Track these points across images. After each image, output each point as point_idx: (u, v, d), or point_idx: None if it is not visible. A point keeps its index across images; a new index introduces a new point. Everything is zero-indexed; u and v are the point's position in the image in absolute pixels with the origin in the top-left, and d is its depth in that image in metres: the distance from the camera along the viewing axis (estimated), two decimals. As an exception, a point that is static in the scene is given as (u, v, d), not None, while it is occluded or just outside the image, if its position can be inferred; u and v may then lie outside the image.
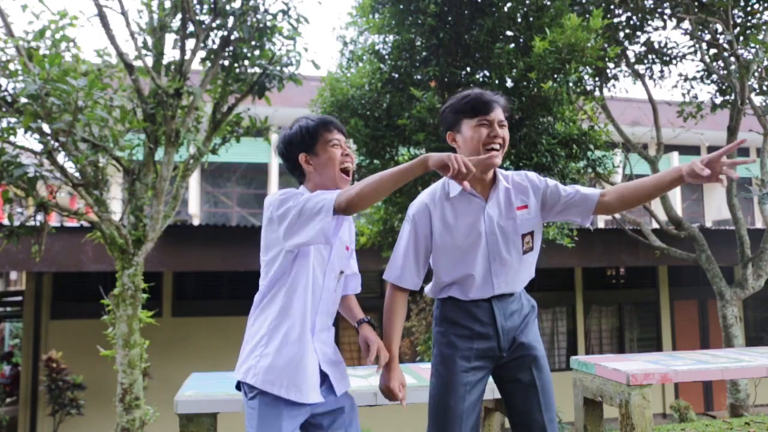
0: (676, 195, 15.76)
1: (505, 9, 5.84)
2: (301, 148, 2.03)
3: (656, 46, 8.23)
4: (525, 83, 5.64)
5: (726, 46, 7.46)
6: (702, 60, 7.85)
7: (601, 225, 14.50)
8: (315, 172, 2.03)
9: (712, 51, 7.97)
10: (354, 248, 2.22)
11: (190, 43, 5.43)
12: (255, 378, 1.90)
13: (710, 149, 16.60)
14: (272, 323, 1.95)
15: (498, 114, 2.08)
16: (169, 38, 5.49)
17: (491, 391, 2.68)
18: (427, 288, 2.28)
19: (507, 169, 5.76)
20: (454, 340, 2.12)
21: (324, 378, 2.01)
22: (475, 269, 2.11)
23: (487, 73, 5.92)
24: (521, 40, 5.90)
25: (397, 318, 2.16)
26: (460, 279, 2.14)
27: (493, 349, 2.12)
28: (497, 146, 2.06)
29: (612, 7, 7.44)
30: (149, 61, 5.39)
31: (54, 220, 8.81)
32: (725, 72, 7.58)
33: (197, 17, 5.37)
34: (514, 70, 5.60)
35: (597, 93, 8.19)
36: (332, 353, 2.08)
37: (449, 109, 2.14)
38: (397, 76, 6.13)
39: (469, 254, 2.11)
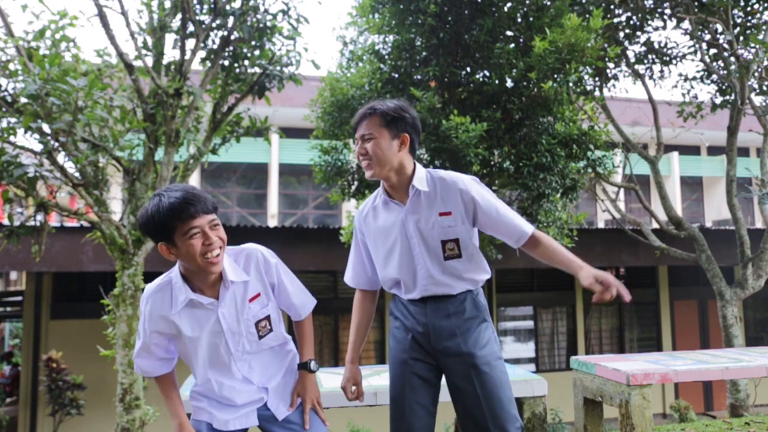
0: (676, 195, 15.77)
1: (505, 9, 5.84)
2: (158, 238, 1.82)
3: (656, 46, 8.23)
4: (525, 83, 5.63)
5: (726, 46, 7.46)
6: (702, 60, 7.85)
7: (601, 225, 14.50)
8: (179, 260, 1.87)
9: (712, 51, 7.97)
10: (275, 288, 2.07)
11: (190, 43, 5.44)
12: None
13: (710, 149, 16.62)
14: (192, 390, 2.10)
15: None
16: (169, 38, 5.50)
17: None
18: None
19: (507, 169, 5.78)
20: (395, 332, 2.27)
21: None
22: (401, 273, 2.18)
23: (487, 73, 5.92)
24: (521, 40, 5.90)
25: (359, 318, 2.33)
26: (391, 281, 2.23)
27: (424, 346, 2.18)
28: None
29: (612, 7, 7.44)
30: (149, 61, 5.39)
31: (54, 220, 8.81)
32: (725, 72, 7.58)
33: (197, 17, 5.37)
34: (514, 70, 5.60)
35: (597, 93, 8.19)
36: (280, 391, 2.09)
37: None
38: (397, 76, 6.13)
39: (392, 258, 2.19)
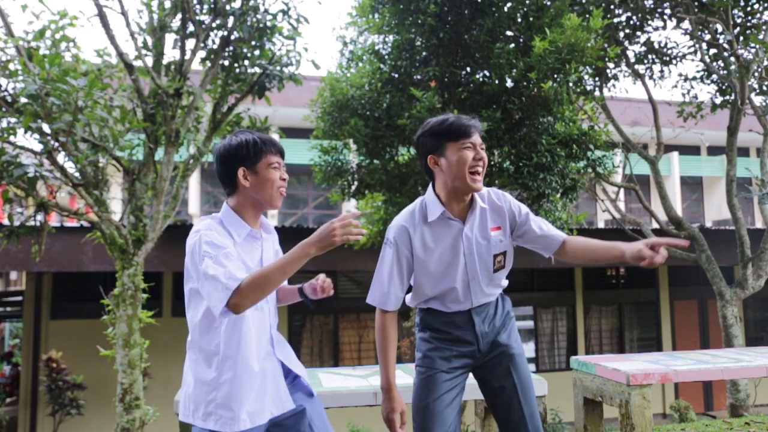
0: (676, 195, 15.77)
1: (505, 9, 5.84)
2: (242, 162, 2.00)
3: (656, 46, 8.23)
4: (525, 83, 5.63)
5: (726, 46, 7.46)
6: (702, 60, 7.85)
7: (601, 225, 14.50)
8: (251, 189, 2.01)
9: (712, 51, 7.97)
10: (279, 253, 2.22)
11: (190, 43, 5.43)
12: (213, 424, 1.91)
13: (710, 149, 16.62)
14: (220, 362, 1.92)
15: (478, 138, 2.11)
16: (169, 38, 5.49)
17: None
18: (408, 297, 2.30)
19: (507, 169, 5.78)
20: (436, 343, 2.22)
21: (294, 377, 2.06)
22: (455, 285, 2.19)
23: (487, 73, 5.92)
24: (521, 40, 5.90)
25: (390, 342, 2.19)
26: (441, 294, 2.21)
27: (473, 352, 2.22)
28: (480, 169, 2.09)
29: (612, 7, 7.44)
30: (149, 61, 5.39)
31: (54, 220, 8.81)
32: (725, 72, 7.58)
33: (197, 17, 5.36)
34: (514, 70, 5.60)
35: (597, 93, 8.19)
36: (294, 359, 2.11)
37: (428, 132, 2.14)
38: (397, 76, 6.13)
39: (449, 274, 2.18)
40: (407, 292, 2.28)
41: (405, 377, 2.95)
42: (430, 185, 2.20)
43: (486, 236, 2.17)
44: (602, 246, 2.15)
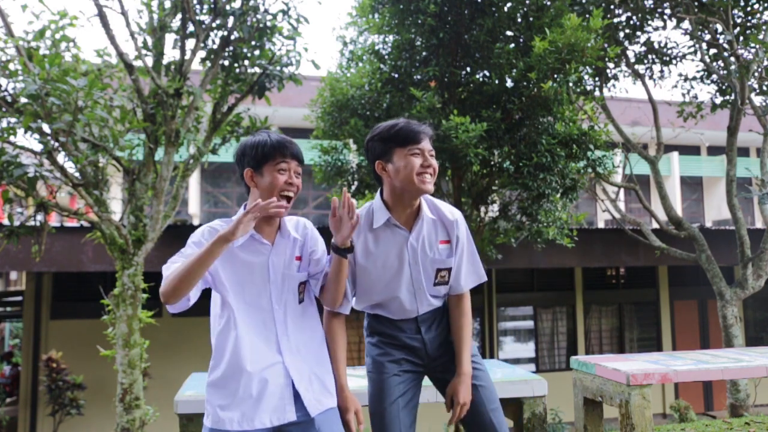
0: (676, 195, 15.77)
1: (505, 9, 5.84)
2: (251, 163, 1.99)
3: (656, 46, 8.23)
4: (525, 83, 5.64)
5: (726, 46, 7.46)
6: (702, 60, 7.85)
7: (601, 225, 14.50)
8: (257, 190, 1.99)
9: (712, 51, 7.97)
10: (315, 254, 2.10)
11: (190, 43, 5.43)
12: (207, 419, 1.95)
13: (710, 149, 16.61)
14: (218, 356, 1.97)
15: (427, 144, 2.07)
16: (169, 38, 5.49)
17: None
18: (355, 301, 2.27)
19: (507, 169, 5.78)
20: (385, 348, 2.23)
21: (298, 394, 1.98)
22: (399, 294, 2.17)
23: (487, 73, 5.92)
24: (521, 40, 5.91)
25: (338, 344, 2.17)
26: (386, 302, 2.20)
27: (421, 356, 2.23)
28: (429, 176, 2.05)
29: (612, 7, 7.44)
30: (149, 61, 5.39)
31: (54, 220, 8.81)
32: (725, 72, 7.58)
33: (197, 17, 5.37)
34: (514, 70, 5.60)
35: (597, 93, 8.19)
36: (309, 370, 2.02)
37: (377, 137, 2.10)
38: (397, 76, 6.13)
39: (392, 282, 2.16)
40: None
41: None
42: (378, 191, 2.17)
43: (432, 248, 2.14)
44: (464, 338, 2.19)
